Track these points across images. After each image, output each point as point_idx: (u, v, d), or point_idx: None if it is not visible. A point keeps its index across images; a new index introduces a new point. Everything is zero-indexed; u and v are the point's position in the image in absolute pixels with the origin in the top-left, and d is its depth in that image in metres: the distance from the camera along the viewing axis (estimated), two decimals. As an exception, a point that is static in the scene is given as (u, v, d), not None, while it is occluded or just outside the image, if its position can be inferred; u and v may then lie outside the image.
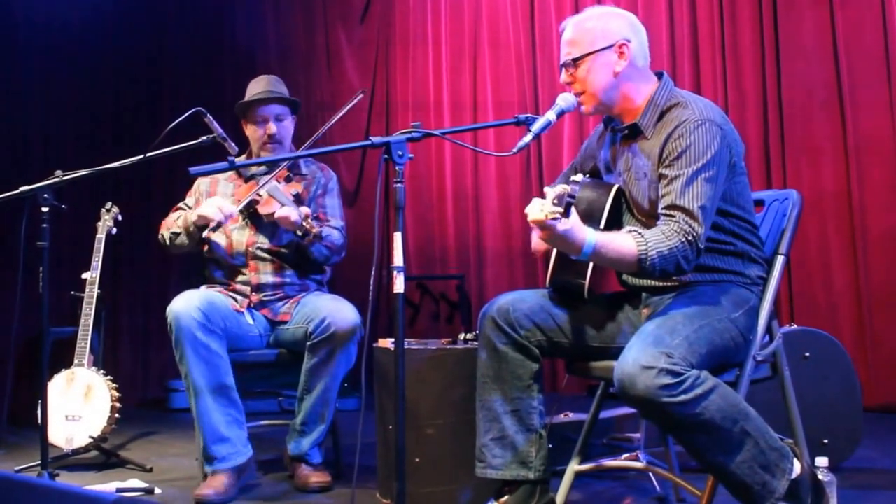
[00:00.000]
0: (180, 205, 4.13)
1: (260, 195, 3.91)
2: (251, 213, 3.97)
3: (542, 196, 2.44)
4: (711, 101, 2.87)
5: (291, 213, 3.74)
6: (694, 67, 5.94)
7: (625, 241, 2.58)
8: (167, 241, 3.99)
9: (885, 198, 5.27)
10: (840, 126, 5.40)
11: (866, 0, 5.33)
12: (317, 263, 3.98)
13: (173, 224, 3.98)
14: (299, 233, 3.79)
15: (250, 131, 4.09)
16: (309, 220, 3.76)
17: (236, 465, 3.63)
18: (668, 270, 2.59)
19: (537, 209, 2.43)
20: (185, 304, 3.60)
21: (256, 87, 4.10)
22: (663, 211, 2.65)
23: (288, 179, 4.04)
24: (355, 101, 4.02)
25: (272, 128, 4.01)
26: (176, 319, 3.56)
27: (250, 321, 3.87)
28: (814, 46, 5.49)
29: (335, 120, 4.01)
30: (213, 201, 3.84)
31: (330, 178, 4.16)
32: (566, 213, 2.41)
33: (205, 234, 3.86)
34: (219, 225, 3.80)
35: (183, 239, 3.93)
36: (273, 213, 3.80)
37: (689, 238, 2.57)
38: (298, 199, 3.93)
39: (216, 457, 3.60)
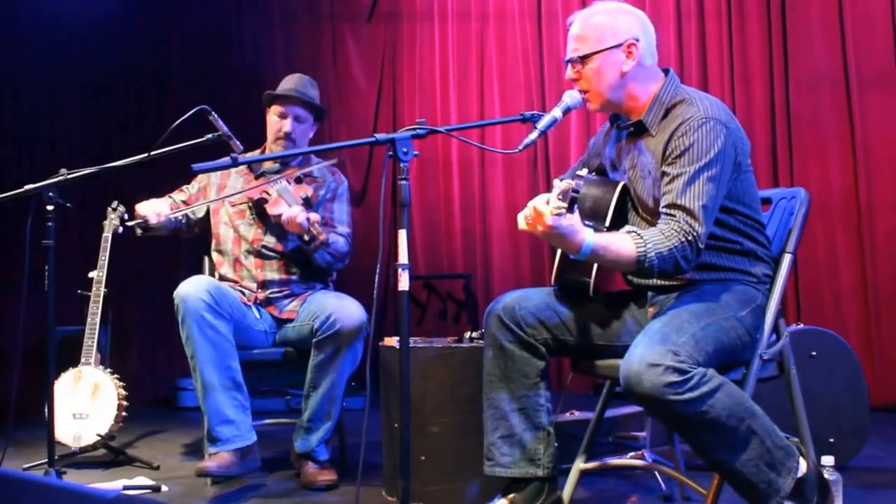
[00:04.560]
0: (183, 187, 4.15)
1: (269, 194, 3.91)
2: (259, 212, 3.97)
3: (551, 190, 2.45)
4: (718, 98, 2.86)
5: (299, 215, 3.73)
6: (701, 65, 5.92)
7: (623, 243, 2.57)
8: None
9: (892, 196, 5.24)
10: (848, 124, 5.38)
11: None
12: (320, 269, 3.98)
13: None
14: (306, 237, 3.78)
15: (269, 121, 4.10)
16: (316, 225, 3.74)
17: (239, 448, 3.62)
18: (668, 270, 2.59)
19: (542, 204, 2.44)
20: (194, 286, 3.62)
21: (288, 83, 4.12)
22: (664, 210, 2.65)
23: (298, 181, 4.03)
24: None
25: (287, 125, 4.02)
26: (183, 300, 3.58)
27: (257, 316, 3.88)
28: (822, 44, 5.47)
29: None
30: (154, 202, 3.88)
31: (340, 183, 4.15)
32: (570, 209, 2.41)
33: (138, 232, 3.90)
34: (145, 222, 3.81)
35: (136, 230, 3.96)
36: (280, 214, 3.80)
37: (689, 238, 2.57)
38: (307, 203, 3.92)
39: (220, 438, 3.60)
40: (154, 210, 3.83)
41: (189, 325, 3.56)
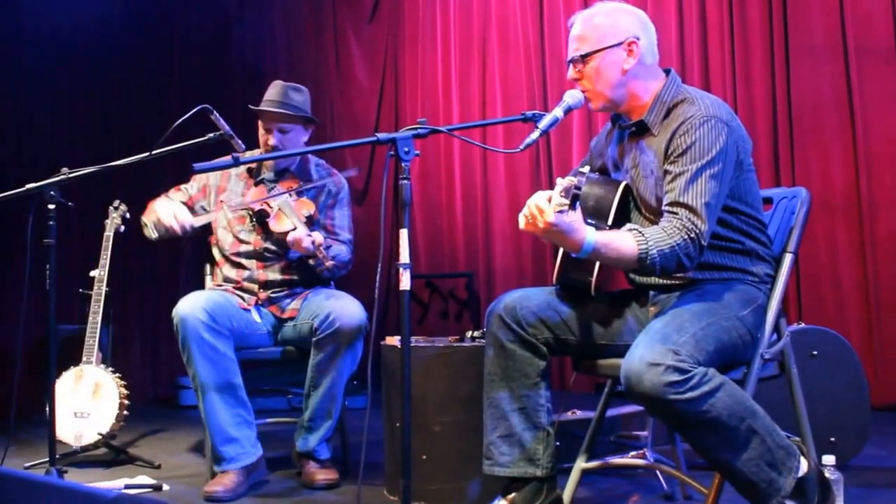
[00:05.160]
0: (181, 186, 4.11)
1: (270, 207, 3.89)
2: (260, 221, 3.96)
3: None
4: (720, 97, 2.86)
5: (305, 239, 3.72)
6: (703, 64, 5.92)
7: (625, 240, 2.57)
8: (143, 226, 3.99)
9: (894, 195, 5.24)
10: (849, 123, 5.38)
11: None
12: (322, 278, 3.98)
13: (147, 214, 3.93)
14: (311, 262, 3.79)
15: (259, 132, 4.08)
16: (322, 249, 3.74)
17: (245, 465, 3.64)
18: (670, 268, 2.59)
19: (543, 201, 2.44)
20: (191, 306, 3.60)
21: (270, 94, 4.06)
22: (666, 208, 2.65)
23: (300, 194, 4.01)
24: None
25: (272, 139, 3.98)
26: (182, 321, 3.57)
27: (258, 319, 3.88)
28: (823, 43, 5.46)
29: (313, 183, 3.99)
30: (171, 207, 3.82)
31: (341, 188, 4.13)
32: (572, 206, 2.41)
33: (154, 235, 3.86)
34: (166, 231, 3.78)
35: (149, 232, 3.92)
36: (285, 233, 3.79)
37: (692, 235, 2.56)
38: (310, 221, 3.92)
39: (225, 457, 3.62)
40: (177, 219, 3.78)
41: (189, 347, 3.57)
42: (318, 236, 3.77)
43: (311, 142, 4.17)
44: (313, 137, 4.18)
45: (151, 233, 3.90)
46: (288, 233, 3.78)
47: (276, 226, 3.85)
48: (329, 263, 3.78)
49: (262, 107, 4.00)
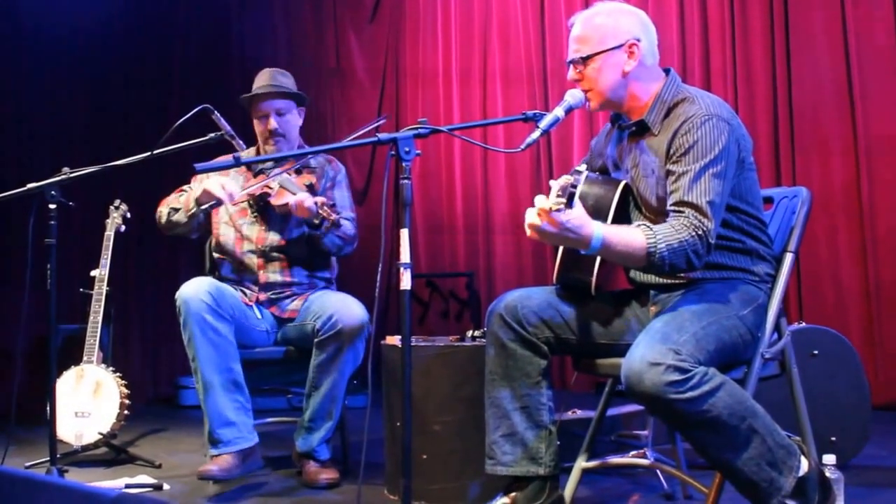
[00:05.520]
0: (184, 187, 4.10)
1: (271, 187, 3.89)
2: (262, 208, 3.96)
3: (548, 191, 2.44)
4: (721, 97, 2.86)
5: (307, 199, 3.72)
6: (704, 64, 5.92)
7: (633, 235, 2.56)
8: (163, 218, 3.96)
9: (894, 194, 5.25)
10: (850, 123, 5.38)
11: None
12: (328, 254, 3.98)
13: (174, 200, 3.97)
14: (316, 221, 3.78)
15: (255, 125, 4.09)
16: (325, 207, 3.74)
17: (241, 449, 3.63)
18: (678, 264, 2.57)
19: (543, 202, 2.43)
20: (195, 288, 3.61)
21: (259, 81, 4.09)
22: (672, 207, 2.64)
23: (298, 172, 4.02)
24: (377, 123, 4.01)
25: (272, 123, 3.99)
26: (185, 302, 3.57)
27: (258, 316, 3.88)
28: (824, 42, 5.47)
29: (352, 137, 3.99)
30: (218, 179, 3.82)
31: (338, 171, 4.15)
32: (569, 203, 2.40)
33: (202, 207, 3.83)
34: (219, 203, 3.79)
35: (180, 216, 3.91)
36: (287, 204, 3.79)
37: (699, 232, 2.56)
38: (312, 190, 3.91)
39: (221, 440, 3.60)
40: (225, 189, 3.76)
41: (191, 327, 3.56)
42: (321, 197, 3.78)
43: (310, 139, 4.18)
44: (313, 136, 4.18)
45: (181, 217, 3.89)
46: (289, 202, 3.78)
47: (278, 201, 3.84)
48: (333, 217, 3.74)
49: (258, 90, 4.03)
